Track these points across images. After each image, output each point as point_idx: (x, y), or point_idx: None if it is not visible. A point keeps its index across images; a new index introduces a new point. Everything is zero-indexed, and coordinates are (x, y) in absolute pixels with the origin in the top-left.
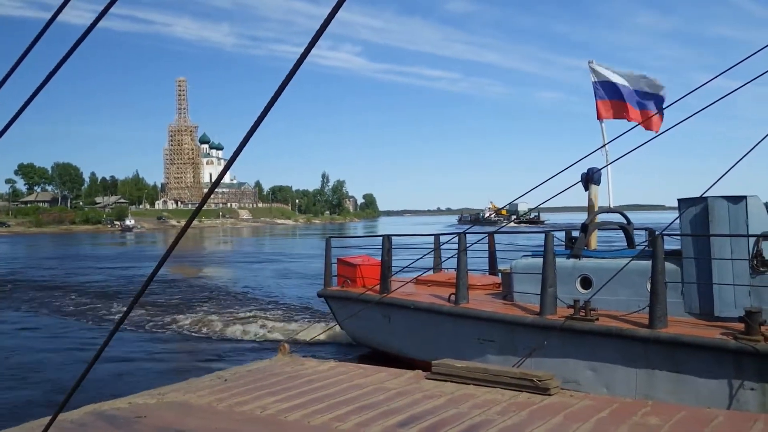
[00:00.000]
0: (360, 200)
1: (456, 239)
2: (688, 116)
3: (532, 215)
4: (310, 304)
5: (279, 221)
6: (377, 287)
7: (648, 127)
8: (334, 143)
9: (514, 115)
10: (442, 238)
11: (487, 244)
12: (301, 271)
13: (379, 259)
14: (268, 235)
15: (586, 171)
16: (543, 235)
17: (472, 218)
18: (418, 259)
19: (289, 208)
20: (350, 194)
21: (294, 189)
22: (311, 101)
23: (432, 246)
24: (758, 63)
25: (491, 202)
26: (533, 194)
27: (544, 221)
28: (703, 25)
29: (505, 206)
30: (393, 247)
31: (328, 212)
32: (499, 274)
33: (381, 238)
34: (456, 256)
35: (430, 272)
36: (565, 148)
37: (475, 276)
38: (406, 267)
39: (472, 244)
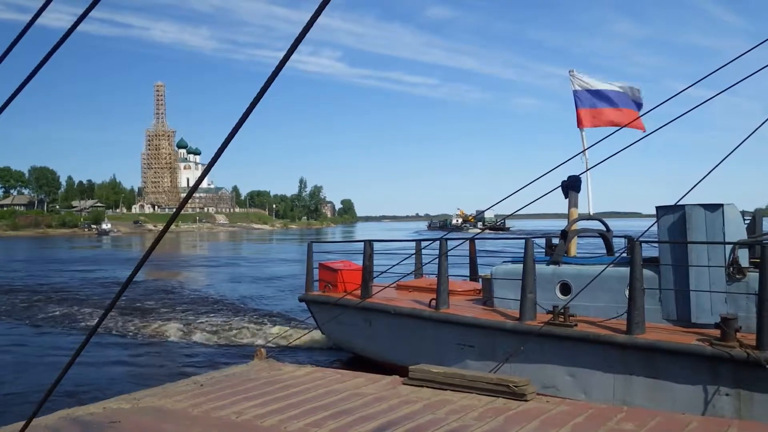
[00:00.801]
0: (338, 206)
1: (436, 244)
2: (667, 122)
3: (498, 222)
4: (289, 308)
5: (256, 226)
6: (358, 292)
7: (635, 127)
8: (312, 148)
9: (492, 120)
10: (423, 243)
11: (468, 250)
12: (278, 275)
13: (361, 264)
14: (245, 240)
15: (566, 178)
16: (523, 241)
17: (441, 224)
18: (396, 264)
19: (267, 213)
20: (328, 200)
21: (272, 194)
22: (291, 106)
23: (413, 251)
24: (732, 72)
25: (459, 209)
26: (511, 200)
27: (509, 228)
28: (678, 34)
29: (472, 213)
30: (374, 252)
31: (305, 217)
32: (480, 279)
33: (363, 243)
34: (437, 261)
35: (411, 278)
36: (542, 155)
37: (455, 282)
38: (387, 270)
39: (453, 248)
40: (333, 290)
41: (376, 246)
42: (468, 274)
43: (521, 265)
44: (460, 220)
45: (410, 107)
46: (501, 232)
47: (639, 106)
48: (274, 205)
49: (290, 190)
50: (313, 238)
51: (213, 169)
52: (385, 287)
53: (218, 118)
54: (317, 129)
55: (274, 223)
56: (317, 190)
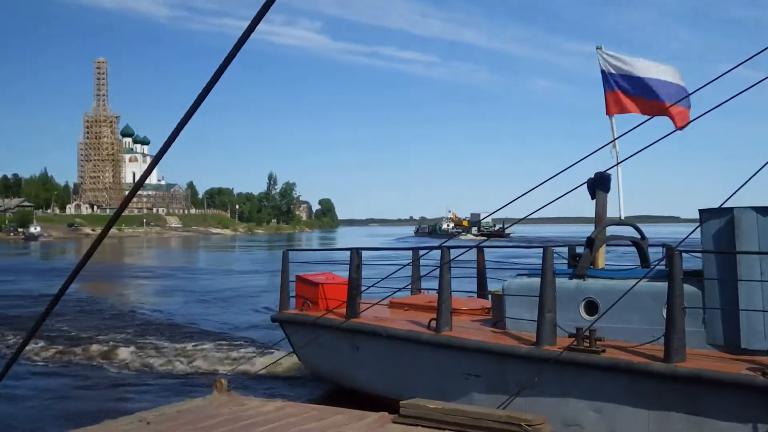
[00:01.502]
0: (315, 207)
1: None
2: (708, 110)
3: (497, 227)
4: (257, 329)
5: (214, 230)
6: (343, 310)
7: (677, 122)
8: (286, 138)
9: (500, 106)
10: (421, 252)
11: (476, 261)
12: (243, 290)
13: (346, 276)
14: (201, 247)
15: (593, 175)
16: (539, 251)
17: (429, 230)
18: (388, 277)
19: (228, 215)
20: (303, 199)
21: (235, 192)
22: (259, 87)
23: (409, 261)
24: None
25: (451, 212)
26: (520, 202)
27: (509, 234)
28: (724, 6)
29: (466, 217)
30: (363, 262)
31: (275, 220)
32: (489, 296)
33: (349, 252)
34: (438, 274)
35: (407, 293)
36: (561, 147)
37: (460, 299)
38: (377, 283)
39: (457, 257)
40: (312, 308)
41: (366, 255)
42: (475, 290)
43: (538, 279)
44: (451, 225)
45: (404, 90)
46: (499, 239)
47: (682, 90)
48: (237, 206)
49: (258, 187)
50: (283, 245)
51: (164, 161)
52: (375, 304)
53: (172, 101)
54: (291, 115)
55: (237, 227)
56: (289, 187)
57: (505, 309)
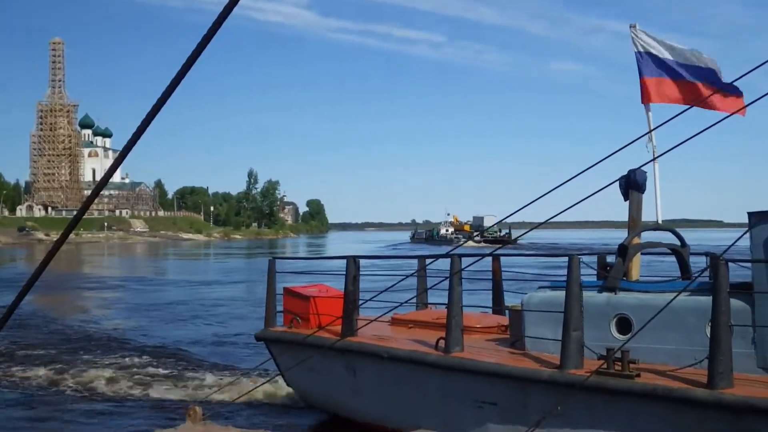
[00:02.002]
0: (303, 208)
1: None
2: (763, 95)
3: (503, 232)
4: (237, 350)
5: (185, 236)
6: (338, 327)
7: (726, 109)
8: (269, 131)
9: (515, 93)
10: (428, 260)
11: (491, 271)
12: (220, 303)
13: (341, 289)
14: (171, 255)
15: (625, 173)
16: (561, 261)
17: (427, 235)
18: (389, 289)
19: (202, 217)
20: (289, 200)
21: (210, 192)
22: (240, 71)
23: (414, 271)
24: None
25: (451, 215)
26: (536, 205)
27: (515, 240)
28: None
29: (468, 221)
30: (361, 272)
31: (255, 224)
32: (507, 312)
33: (345, 260)
34: (447, 286)
35: (412, 308)
36: (587, 141)
37: (473, 314)
38: (376, 297)
39: (469, 266)
40: (303, 325)
41: (364, 265)
42: (490, 304)
43: (563, 293)
44: (451, 230)
45: (405, 74)
46: (505, 246)
47: (724, 82)
48: (212, 208)
49: (236, 187)
50: (264, 252)
51: (129, 157)
52: (375, 321)
53: (139, 88)
54: (276, 104)
55: (212, 232)
56: (272, 186)
57: (524, 327)
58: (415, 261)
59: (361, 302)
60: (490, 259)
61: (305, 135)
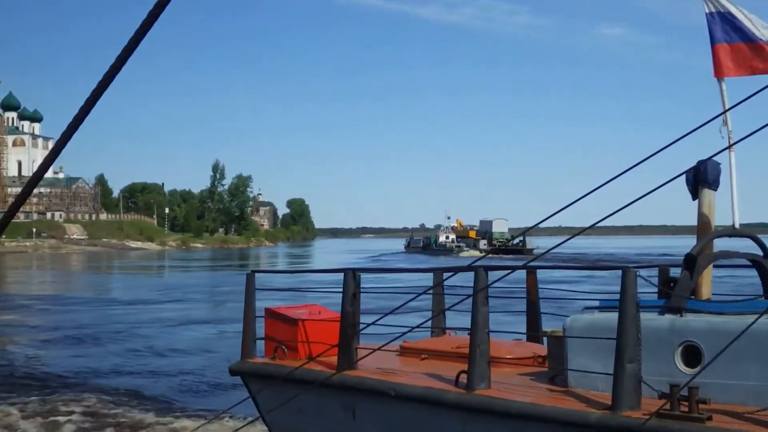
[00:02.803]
0: (283, 210)
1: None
2: None
3: (515, 240)
4: (205, 386)
5: (134, 244)
6: (333, 358)
7: None
8: (240, 116)
9: (549, 66)
10: (446, 273)
11: (525, 288)
12: (184, 328)
13: (337, 310)
14: (116, 268)
15: (695, 166)
16: (620, 272)
17: (424, 243)
18: (397, 310)
19: (155, 221)
20: (265, 200)
21: (167, 190)
22: (203, 45)
23: (429, 286)
24: None
25: (452, 218)
26: (556, 206)
27: (532, 249)
28: None
29: (473, 226)
30: (363, 290)
31: (222, 229)
32: (545, 339)
33: (342, 274)
34: (470, 306)
35: (425, 334)
36: (638, 126)
37: (502, 342)
38: (381, 319)
39: (497, 281)
40: (289, 355)
41: (366, 280)
42: (523, 330)
43: (615, 315)
44: (451, 237)
45: (412, 43)
46: (518, 255)
47: None
48: (168, 209)
49: (199, 183)
50: (230, 265)
51: (67, 148)
52: (379, 350)
53: (77, 65)
54: (249, 82)
55: (167, 239)
56: (243, 182)
57: (567, 357)
58: (430, 275)
59: (362, 327)
60: (523, 273)
61: (285, 120)
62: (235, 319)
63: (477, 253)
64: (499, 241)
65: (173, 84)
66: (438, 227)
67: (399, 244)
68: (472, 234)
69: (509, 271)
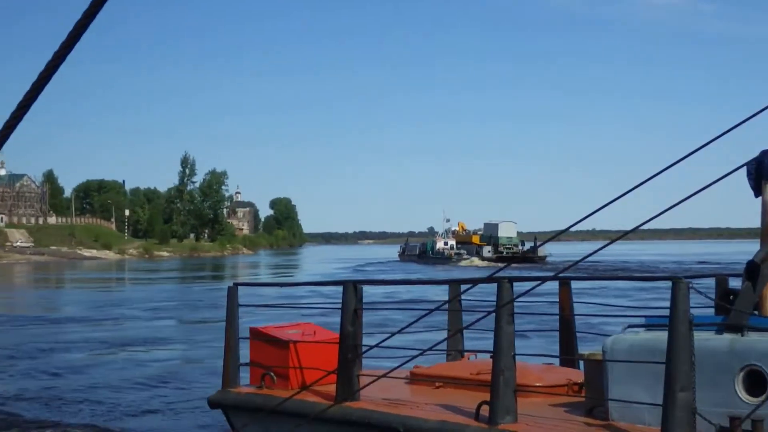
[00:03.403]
0: (265, 211)
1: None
2: None
3: (525, 246)
4: (178, 421)
5: (88, 253)
6: (331, 388)
7: None
8: (215, 105)
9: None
10: (464, 286)
11: (558, 302)
12: (152, 351)
13: (335, 330)
14: (68, 282)
15: (758, 156)
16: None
17: (420, 250)
18: (406, 329)
19: (113, 226)
20: (244, 200)
21: (128, 188)
22: (171, 20)
23: (444, 301)
24: None
25: (451, 221)
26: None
27: (545, 258)
28: None
29: (478, 230)
30: (365, 305)
31: (193, 234)
32: (581, 363)
33: (342, 286)
34: (493, 325)
35: (440, 358)
36: (683, 110)
37: (531, 367)
38: (386, 341)
39: (523, 294)
40: (279, 384)
41: (370, 293)
42: (556, 353)
43: (664, 334)
44: (450, 243)
45: (411, 17)
46: (529, 265)
47: None
48: (127, 211)
49: (166, 180)
50: (200, 277)
51: (9, 140)
52: (384, 376)
53: (20, 40)
54: (227, 65)
55: (127, 247)
56: (216, 179)
57: (608, 385)
58: (445, 288)
59: (364, 349)
60: (553, 284)
61: (268, 108)
62: (210, 341)
63: (479, 262)
64: (507, 248)
65: (135, 65)
66: (432, 231)
67: (390, 251)
68: (476, 239)
69: (538, 282)
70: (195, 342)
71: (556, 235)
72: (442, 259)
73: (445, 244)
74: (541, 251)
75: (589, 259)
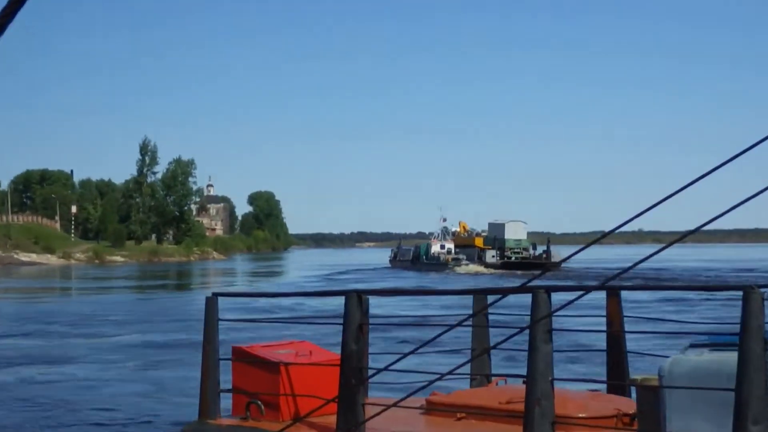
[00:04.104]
0: (243, 209)
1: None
2: None
3: (537, 251)
4: None
5: (25, 257)
6: (331, 419)
7: None
8: (182, 83)
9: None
10: (491, 297)
11: (605, 316)
12: (102, 369)
13: (335, 350)
14: None
15: None
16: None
17: (414, 255)
18: (414, 350)
19: (58, 225)
20: (217, 194)
21: (76, 180)
22: None
23: (467, 313)
24: None
25: (448, 221)
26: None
27: (560, 263)
28: None
29: (481, 230)
30: (371, 321)
31: (154, 235)
32: (634, 390)
33: (344, 297)
34: (527, 345)
35: (463, 384)
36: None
37: (573, 395)
38: (396, 363)
39: (559, 309)
40: (268, 414)
41: (377, 305)
42: (603, 377)
43: (734, 356)
44: (448, 247)
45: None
46: (541, 271)
47: None
48: (74, 208)
49: (122, 171)
50: (157, 286)
51: None
52: (394, 406)
53: None
54: (193, 30)
55: (74, 250)
56: (182, 168)
57: (666, 415)
58: (469, 299)
59: (371, 373)
60: (602, 296)
61: (247, 86)
62: (177, 362)
63: (480, 269)
64: (515, 252)
65: (86, 29)
66: (446, 232)
67: (383, 256)
68: (479, 242)
69: (583, 292)
70: (160, 363)
71: (602, 237)
72: (436, 265)
73: (442, 247)
74: (556, 255)
75: (651, 264)
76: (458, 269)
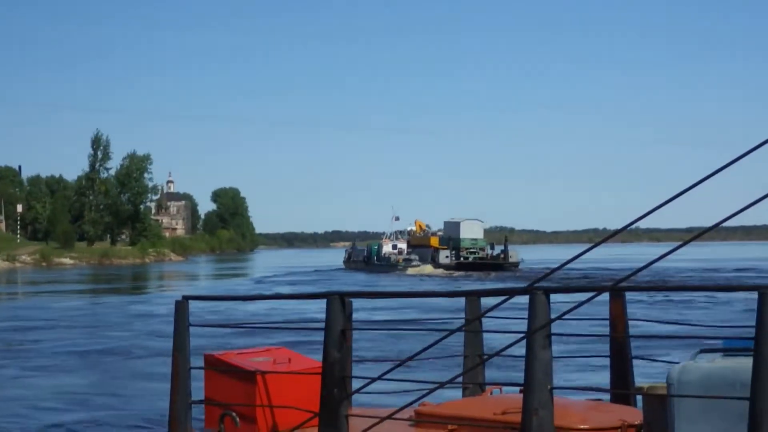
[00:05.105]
0: (207, 206)
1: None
2: None
3: (494, 250)
4: None
5: None
6: (313, 431)
7: None
8: (139, 70)
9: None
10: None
11: (608, 320)
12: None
13: (316, 357)
14: None
15: None
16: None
17: (366, 255)
18: (404, 361)
19: (3, 225)
20: (177, 190)
21: (24, 177)
22: None
23: (459, 318)
24: None
25: (401, 219)
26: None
27: (518, 264)
28: None
29: (437, 229)
30: (354, 323)
31: (108, 235)
32: (640, 398)
33: (325, 300)
34: (524, 351)
35: (455, 394)
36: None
37: (573, 404)
38: (388, 373)
39: (564, 314)
40: (243, 427)
41: (361, 308)
42: (606, 385)
43: (748, 362)
44: (400, 247)
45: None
46: (498, 272)
47: None
48: (19, 207)
49: (74, 167)
50: (108, 289)
51: None
52: (382, 420)
53: None
54: (149, 16)
55: (19, 252)
56: (137, 164)
57: (674, 426)
58: (461, 301)
59: (355, 384)
60: (605, 298)
61: (210, 73)
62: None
63: (431, 269)
64: (470, 251)
65: (36, 22)
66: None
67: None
68: (434, 241)
69: (593, 294)
70: (119, 372)
71: (612, 236)
72: (386, 266)
73: (394, 248)
74: (513, 255)
75: (611, 267)
76: (409, 270)
